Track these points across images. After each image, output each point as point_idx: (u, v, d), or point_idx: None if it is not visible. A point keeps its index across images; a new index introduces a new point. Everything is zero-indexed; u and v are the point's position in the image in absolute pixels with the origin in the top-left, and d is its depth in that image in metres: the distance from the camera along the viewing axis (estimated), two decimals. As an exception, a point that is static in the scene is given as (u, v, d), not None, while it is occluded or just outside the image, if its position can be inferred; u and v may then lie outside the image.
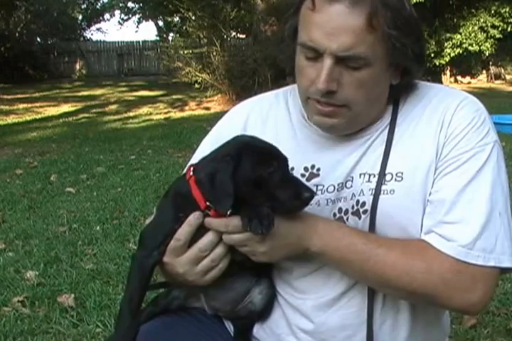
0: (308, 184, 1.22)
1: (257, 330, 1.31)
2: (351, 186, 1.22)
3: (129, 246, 3.78)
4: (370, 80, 1.15)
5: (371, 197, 1.18)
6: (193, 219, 1.13)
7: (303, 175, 1.25)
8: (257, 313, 1.28)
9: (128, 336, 1.10)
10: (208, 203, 1.11)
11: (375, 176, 1.20)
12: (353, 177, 1.22)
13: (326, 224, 1.17)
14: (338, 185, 1.22)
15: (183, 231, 1.13)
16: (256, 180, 1.08)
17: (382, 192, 1.18)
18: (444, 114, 1.20)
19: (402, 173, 1.18)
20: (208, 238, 1.14)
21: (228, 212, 1.10)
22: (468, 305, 1.15)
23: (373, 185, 1.19)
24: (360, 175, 1.22)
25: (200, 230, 1.14)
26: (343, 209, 1.22)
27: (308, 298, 1.24)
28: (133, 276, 1.15)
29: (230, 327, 1.34)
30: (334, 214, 1.22)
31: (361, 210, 1.20)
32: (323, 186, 1.23)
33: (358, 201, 1.20)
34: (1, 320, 2.75)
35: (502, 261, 1.13)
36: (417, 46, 1.18)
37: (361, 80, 1.14)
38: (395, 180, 1.18)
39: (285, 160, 1.13)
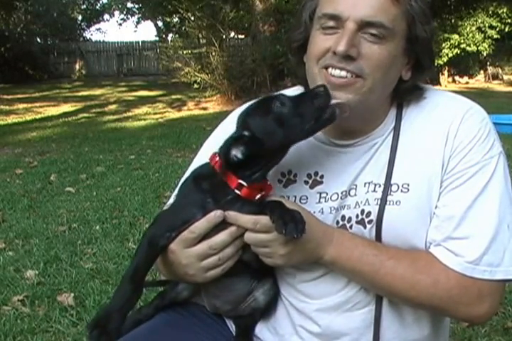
0: (311, 191, 1.23)
1: (260, 330, 1.31)
2: (355, 194, 1.21)
3: (129, 245, 3.79)
4: (387, 58, 1.14)
5: (377, 207, 1.18)
6: (214, 216, 1.11)
7: (306, 182, 1.24)
8: (260, 312, 1.28)
9: (125, 308, 1.07)
10: (239, 181, 1.11)
11: (380, 186, 1.19)
12: (356, 186, 1.22)
13: (341, 234, 1.18)
14: (342, 193, 1.22)
15: (200, 226, 1.11)
16: (275, 121, 1.10)
17: (388, 202, 1.18)
18: (450, 125, 1.18)
19: (408, 185, 1.18)
20: (221, 237, 1.13)
21: (258, 196, 1.12)
22: (475, 316, 1.16)
23: (379, 195, 1.18)
24: (365, 184, 1.21)
25: (217, 225, 1.12)
26: (347, 217, 1.22)
27: (312, 303, 1.24)
28: (141, 250, 1.13)
29: (231, 326, 1.34)
30: (337, 222, 1.22)
31: (366, 220, 1.20)
32: (327, 194, 1.23)
33: (363, 210, 1.20)
34: (1, 319, 2.76)
35: (510, 273, 1.13)
36: (429, 32, 1.19)
37: (380, 56, 1.13)
38: (401, 191, 1.18)
39: (278, 94, 1.15)
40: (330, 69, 1.15)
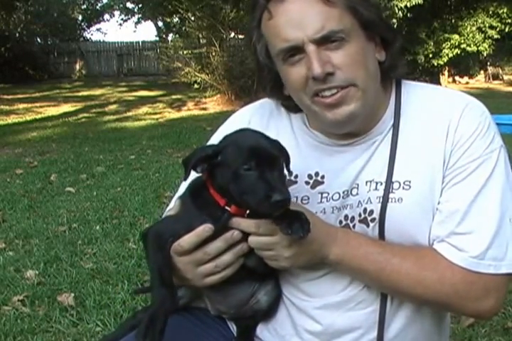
0: (313, 191, 1.23)
1: (261, 331, 1.31)
2: (357, 193, 1.21)
3: (129, 245, 3.79)
4: (358, 54, 1.15)
5: (379, 205, 1.18)
6: (202, 231, 1.10)
7: (307, 183, 1.24)
8: (262, 313, 1.28)
9: (169, 311, 1.09)
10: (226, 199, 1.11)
11: (382, 184, 1.19)
12: (358, 185, 1.22)
13: (344, 233, 1.18)
14: (344, 192, 1.22)
15: (189, 240, 1.11)
16: (233, 174, 1.07)
17: (390, 200, 1.18)
18: (450, 120, 1.18)
19: (409, 182, 1.18)
20: (216, 243, 1.12)
21: (247, 212, 1.11)
22: (481, 312, 1.17)
23: (381, 193, 1.19)
24: (367, 182, 1.21)
25: (217, 233, 1.12)
26: (349, 217, 1.22)
27: (314, 301, 1.24)
28: (153, 254, 1.13)
29: (232, 327, 1.34)
30: (340, 222, 1.22)
31: (369, 218, 1.20)
32: (328, 194, 1.23)
33: (365, 209, 1.20)
34: (2, 319, 2.76)
35: None
36: (376, 11, 1.19)
37: (351, 56, 1.14)
38: (403, 188, 1.18)
39: (272, 159, 1.08)
40: (321, 93, 1.15)
